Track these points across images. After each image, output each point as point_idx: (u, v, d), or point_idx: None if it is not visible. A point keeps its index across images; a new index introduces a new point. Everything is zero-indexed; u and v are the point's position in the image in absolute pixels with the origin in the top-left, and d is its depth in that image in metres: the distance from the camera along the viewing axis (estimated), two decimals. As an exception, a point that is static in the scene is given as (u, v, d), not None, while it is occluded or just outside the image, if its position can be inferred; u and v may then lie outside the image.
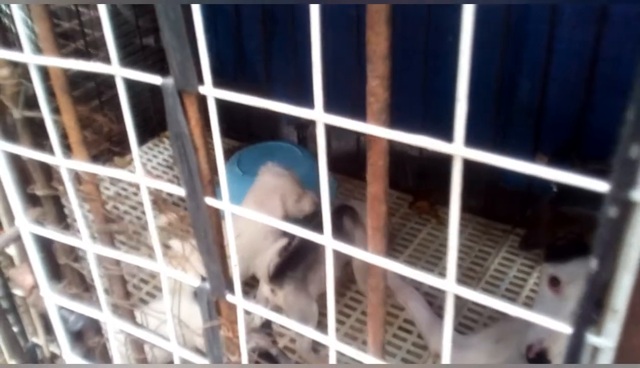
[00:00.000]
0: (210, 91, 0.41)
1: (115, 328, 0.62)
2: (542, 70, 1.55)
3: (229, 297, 0.50)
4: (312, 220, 1.65)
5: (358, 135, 1.94)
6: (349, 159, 1.93)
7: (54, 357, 0.84)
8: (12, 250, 0.74)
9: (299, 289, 1.43)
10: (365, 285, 1.60)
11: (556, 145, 1.58)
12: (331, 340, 0.46)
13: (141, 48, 2.11)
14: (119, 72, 0.45)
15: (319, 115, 0.36)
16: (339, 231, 1.53)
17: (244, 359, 0.54)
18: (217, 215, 0.48)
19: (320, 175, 0.40)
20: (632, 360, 0.36)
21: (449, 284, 0.37)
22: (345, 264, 1.57)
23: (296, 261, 1.48)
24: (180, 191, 0.47)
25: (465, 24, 0.29)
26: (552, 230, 1.33)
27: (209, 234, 0.48)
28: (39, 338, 0.83)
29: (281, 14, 1.91)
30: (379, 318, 0.44)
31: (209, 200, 0.46)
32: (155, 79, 0.43)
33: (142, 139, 2.18)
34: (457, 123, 0.31)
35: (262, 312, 0.51)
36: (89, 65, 0.47)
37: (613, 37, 1.41)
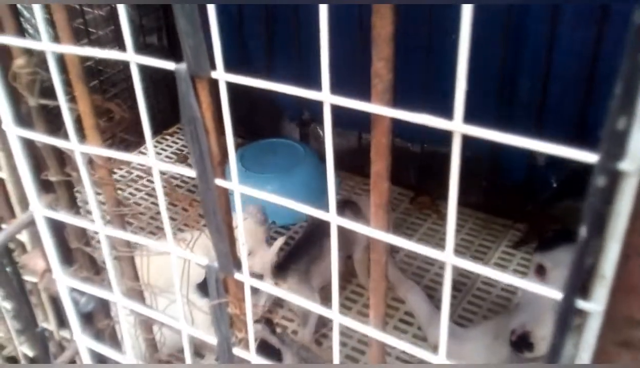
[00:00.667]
0: (222, 75, 0.43)
1: (125, 310, 0.64)
2: (543, 69, 1.57)
3: (237, 275, 0.53)
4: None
5: (360, 133, 1.97)
6: (351, 156, 1.95)
7: (63, 343, 0.86)
8: (24, 237, 0.77)
9: (302, 282, 1.45)
10: (366, 279, 1.62)
11: (556, 143, 1.60)
12: (335, 314, 0.48)
13: (145, 46, 2.14)
14: (134, 58, 0.47)
15: (325, 96, 0.39)
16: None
17: (251, 336, 0.56)
18: (226, 195, 0.50)
19: (327, 155, 0.42)
20: (619, 328, 0.38)
21: (448, 256, 0.39)
22: (346, 258, 1.59)
23: (300, 254, 1.51)
24: (191, 173, 0.49)
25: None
26: (544, 227, 1.37)
27: (218, 214, 0.50)
28: (50, 324, 0.85)
29: (283, 13, 1.94)
30: (380, 291, 0.47)
31: (219, 181, 0.48)
32: (168, 65, 0.45)
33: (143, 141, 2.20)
34: (456, 100, 0.33)
35: (269, 289, 0.53)
36: (105, 53, 0.49)
37: (613, 36, 1.43)
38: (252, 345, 0.57)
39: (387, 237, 0.42)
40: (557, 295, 0.36)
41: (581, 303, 0.35)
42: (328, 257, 1.53)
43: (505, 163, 1.75)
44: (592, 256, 0.33)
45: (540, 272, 1.22)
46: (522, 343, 1.16)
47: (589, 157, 0.31)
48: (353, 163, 1.94)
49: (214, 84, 0.45)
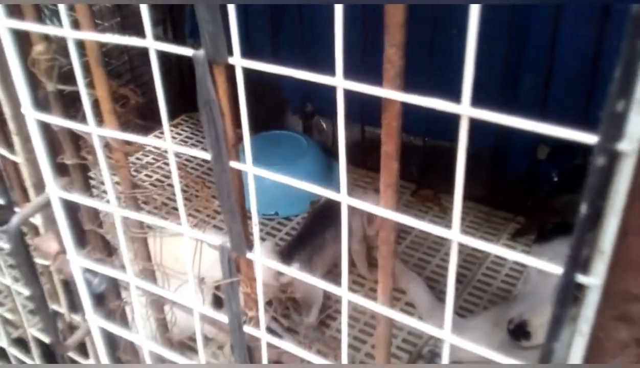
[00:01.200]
0: (238, 61, 0.45)
1: (138, 291, 0.66)
2: (546, 65, 1.59)
3: (249, 255, 0.54)
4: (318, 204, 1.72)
5: (363, 126, 1.99)
6: (355, 149, 1.97)
7: (73, 326, 0.88)
8: (37, 220, 0.78)
9: (305, 271, 1.47)
10: (365, 269, 1.64)
11: (558, 138, 1.62)
12: (344, 292, 0.50)
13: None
14: (153, 45, 0.48)
15: (339, 81, 0.40)
16: (335, 216, 1.58)
17: (261, 314, 0.58)
18: (239, 177, 0.52)
19: (339, 140, 0.44)
20: (617, 303, 0.40)
21: (454, 234, 0.41)
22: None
23: (303, 245, 1.54)
24: (206, 156, 0.51)
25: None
26: (544, 220, 1.40)
27: (231, 195, 0.52)
28: (61, 307, 0.87)
29: (288, 10, 1.95)
30: (388, 269, 0.49)
31: (233, 163, 0.50)
32: (186, 51, 0.47)
33: (153, 128, 2.22)
34: (464, 85, 0.35)
35: (280, 268, 0.55)
36: (123, 39, 0.51)
37: (614, 35, 1.45)
38: (263, 323, 0.59)
39: (396, 215, 0.44)
40: (557, 270, 0.38)
41: (581, 278, 0.37)
42: (330, 247, 1.55)
43: (507, 158, 1.77)
44: (591, 231, 0.35)
45: None
46: (519, 331, 1.19)
47: (589, 138, 0.33)
48: (356, 156, 1.96)
49: (230, 70, 0.47)
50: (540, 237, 1.35)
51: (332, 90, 0.41)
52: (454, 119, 0.38)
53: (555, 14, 1.52)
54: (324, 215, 1.63)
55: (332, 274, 1.58)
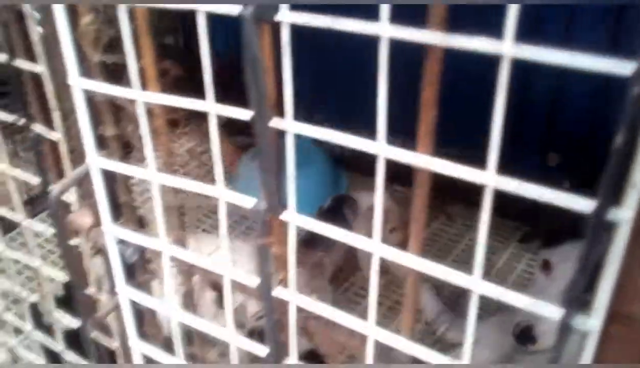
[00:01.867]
0: (286, 16, 0.48)
1: (169, 261, 0.68)
2: (556, 70, 1.62)
3: (283, 215, 0.57)
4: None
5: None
6: (362, 158, 1.99)
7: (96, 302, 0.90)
8: (70, 198, 0.81)
9: (316, 272, 1.50)
10: (370, 272, 1.66)
11: (569, 144, 1.65)
12: (375, 245, 0.52)
13: (161, 47, 2.20)
14: (202, 7, 0.52)
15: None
16: (340, 218, 1.61)
17: (292, 276, 0.60)
18: (277, 136, 0.55)
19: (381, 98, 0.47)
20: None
21: (490, 176, 0.44)
22: (346, 253, 1.64)
23: (313, 246, 1.56)
24: (246, 116, 0.54)
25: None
26: (552, 225, 1.42)
27: (270, 153, 0.54)
28: (90, 288, 0.89)
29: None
30: (421, 218, 0.51)
31: (274, 121, 0.53)
32: (233, 9, 0.50)
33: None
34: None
35: (311, 225, 0.57)
36: (176, 5, 0.54)
37: (627, 38, 1.48)
38: (293, 283, 0.61)
39: (433, 163, 0.47)
40: (590, 206, 0.40)
41: (614, 213, 0.39)
42: (339, 247, 1.58)
43: (517, 165, 1.79)
44: (627, 164, 0.38)
45: (546, 268, 1.27)
46: (524, 336, 1.21)
47: (624, 67, 0.35)
48: (363, 165, 1.98)
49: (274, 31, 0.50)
50: (548, 241, 1.36)
51: (337, 99, 0.44)
52: (462, 126, 0.40)
53: (568, 18, 1.55)
54: (331, 217, 1.65)
55: (337, 281, 1.61)
